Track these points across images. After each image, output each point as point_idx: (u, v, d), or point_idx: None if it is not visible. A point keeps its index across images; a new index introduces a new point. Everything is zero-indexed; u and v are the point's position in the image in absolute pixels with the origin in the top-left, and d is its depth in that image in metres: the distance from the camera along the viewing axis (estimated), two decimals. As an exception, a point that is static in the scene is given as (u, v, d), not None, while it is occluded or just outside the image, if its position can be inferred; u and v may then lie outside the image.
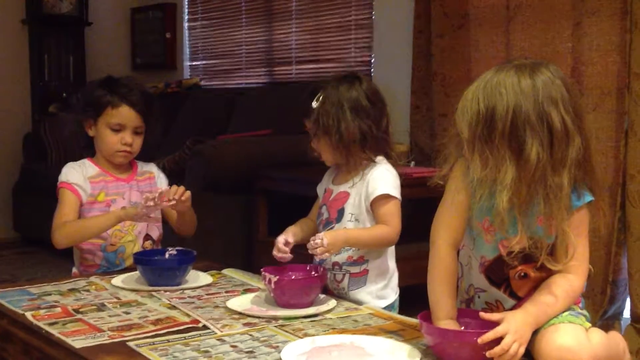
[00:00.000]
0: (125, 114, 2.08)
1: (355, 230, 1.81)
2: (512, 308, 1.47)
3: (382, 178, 1.82)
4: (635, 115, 2.65)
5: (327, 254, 1.74)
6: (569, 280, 1.39)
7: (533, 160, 1.29)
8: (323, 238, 1.72)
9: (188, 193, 2.01)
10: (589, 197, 1.39)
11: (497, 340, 1.28)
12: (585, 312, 1.46)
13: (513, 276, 1.46)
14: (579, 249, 1.38)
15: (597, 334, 1.40)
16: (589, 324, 1.42)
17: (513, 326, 1.28)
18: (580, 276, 1.40)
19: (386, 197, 1.80)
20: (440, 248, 1.48)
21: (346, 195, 1.86)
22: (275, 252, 1.80)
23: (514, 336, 1.27)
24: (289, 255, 1.80)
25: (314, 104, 1.83)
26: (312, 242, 1.73)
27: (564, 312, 1.40)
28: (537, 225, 1.38)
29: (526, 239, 1.38)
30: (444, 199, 1.51)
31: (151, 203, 1.94)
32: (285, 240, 1.81)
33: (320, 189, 1.97)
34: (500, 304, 1.48)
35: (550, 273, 1.42)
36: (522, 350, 1.29)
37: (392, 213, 1.80)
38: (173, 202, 1.97)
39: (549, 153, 1.30)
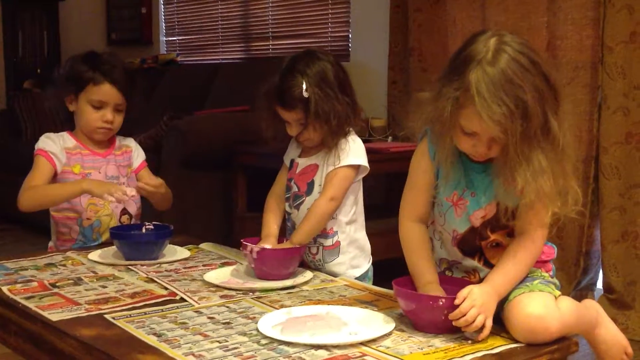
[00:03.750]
0: (107, 91, 2.07)
1: (296, 232, 1.80)
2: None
3: (352, 149, 1.82)
4: (609, 89, 2.69)
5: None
6: (528, 245, 1.41)
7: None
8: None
9: (154, 183, 2.04)
10: None
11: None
12: (555, 280, 1.49)
13: (485, 246, 1.49)
14: (540, 209, 1.39)
15: (566, 301, 1.43)
16: (559, 292, 1.45)
17: (477, 300, 1.31)
18: (539, 238, 1.42)
19: (339, 167, 1.80)
20: (405, 224, 1.51)
21: (315, 167, 1.86)
22: None
23: (478, 309, 1.31)
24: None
25: (305, 93, 1.74)
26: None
27: (534, 280, 1.43)
28: (503, 189, 1.40)
29: (495, 205, 1.41)
30: (409, 177, 1.53)
31: (111, 198, 1.94)
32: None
33: (287, 159, 1.95)
34: (477, 273, 1.51)
35: None
36: (489, 322, 1.32)
37: (332, 182, 1.80)
38: (132, 195, 2.00)
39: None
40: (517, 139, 1.29)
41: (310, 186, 1.85)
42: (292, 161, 1.92)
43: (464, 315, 1.30)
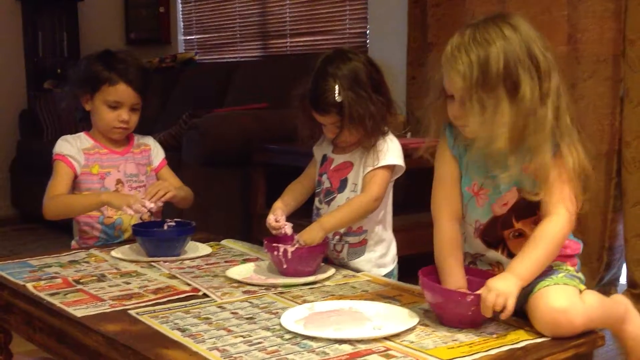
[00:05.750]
0: (122, 91, 2.08)
1: (329, 215, 1.78)
2: None
3: (390, 149, 1.80)
4: (631, 82, 2.66)
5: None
6: (551, 225, 1.39)
7: (528, 96, 1.35)
8: (299, 240, 1.70)
9: (168, 195, 2.05)
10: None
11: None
12: (580, 274, 1.47)
13: (508, 236, 1.48)
14: (561, 190, 1.39)
15: (591, 295, 1.41)
16: (584, 287, 1.44)
17: (495, 285, 1.32)
18: (562, 215, 1.40)
19: (379, 167, 1.79)
20: (442, 223, 1.50)
21: (350, 165, 1.84)
22: (273, 232, 1.79)
23: (495, 292, 1.31)
24: (288, 226, 1.79)
25: (338, 98, 1.72)
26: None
27: (559, 274, 1.42)
28: (523, 174, 1.40)
29: (516, 191, 1.42)
30: (436, 173, 1.53)
31: (130, 211, 1.95)
32: (275, 219, 1.79)
33: (318, 152, 1.93)
34: (501, 265, 1.50)
35: None
36: (510, 302, 1.31)
37: (374, 181, 1.78)
38: (158, 206, 2.03)
39: (538, 87, 1.36)
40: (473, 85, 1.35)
41: (343, 183, 1.84)
42: (324, 156, 1.90)
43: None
